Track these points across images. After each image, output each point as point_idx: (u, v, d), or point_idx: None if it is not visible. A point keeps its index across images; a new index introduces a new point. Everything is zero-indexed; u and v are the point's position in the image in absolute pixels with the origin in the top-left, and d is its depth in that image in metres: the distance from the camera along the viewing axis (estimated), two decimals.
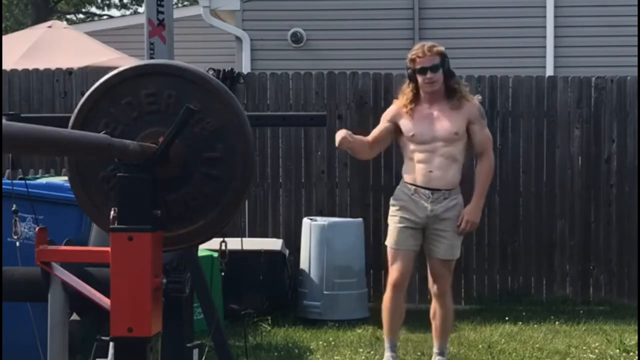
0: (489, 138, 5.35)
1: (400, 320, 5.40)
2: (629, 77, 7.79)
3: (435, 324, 5.34)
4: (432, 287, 5.32)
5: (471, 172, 5.68)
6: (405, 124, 5.25)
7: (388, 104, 6.02)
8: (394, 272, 5.28)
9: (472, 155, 5.57)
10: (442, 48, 5.27)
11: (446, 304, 5.30)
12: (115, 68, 2.37)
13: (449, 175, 5.18)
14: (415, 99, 5.25)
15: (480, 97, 5.61)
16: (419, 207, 5.18)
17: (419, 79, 5.19)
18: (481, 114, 5.29)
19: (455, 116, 5.19)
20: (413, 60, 5.21)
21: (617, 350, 5.89)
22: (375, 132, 5.43)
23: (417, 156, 5.19)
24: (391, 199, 5.39)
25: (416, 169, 5.20)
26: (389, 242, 5.31)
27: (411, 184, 5.22)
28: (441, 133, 5.17)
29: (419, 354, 5.76)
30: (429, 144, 5.18)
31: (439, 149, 5.16)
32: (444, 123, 5.18)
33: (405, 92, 5.30)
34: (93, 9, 28.80)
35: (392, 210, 5.33)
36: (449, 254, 5.25)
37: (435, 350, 5.36)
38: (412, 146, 5.23)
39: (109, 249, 2.09)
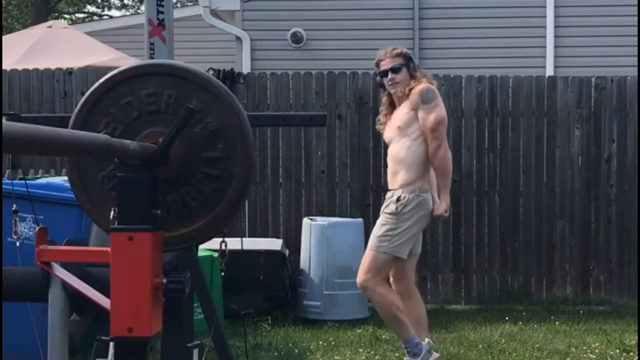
0: (430, 122, 5.03)
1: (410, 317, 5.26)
2: (629, 77, 7.78)
3: None
4: None
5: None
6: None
7: None
8: None
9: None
10: (404, 50, 5.25)
11: (369, 296, 5.28)
12: (115, 68, 2.37)
13: (398, 176, 5.16)
14: (392, 104, 5.28)
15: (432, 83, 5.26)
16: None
17: (385, 82, 5.22)
18: (423, 99, 5.04)
19: (402, 109, 5.16)
20: (377, 65, 5.25)
21: (617, 350, 5.89)
22: None
23: None
24: None
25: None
26: None
27: None
28: (391, 132, 5.22)
29: None
30: (389, 146, 5.28)
31: (390, 148, 5.24)
32: (392, 121, 5.23)
33: (383, 103, 5.36)
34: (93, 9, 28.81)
35: None
36: (370, 243, 5.17)
37: None
38: None
39: (109, 249, 2.10)
